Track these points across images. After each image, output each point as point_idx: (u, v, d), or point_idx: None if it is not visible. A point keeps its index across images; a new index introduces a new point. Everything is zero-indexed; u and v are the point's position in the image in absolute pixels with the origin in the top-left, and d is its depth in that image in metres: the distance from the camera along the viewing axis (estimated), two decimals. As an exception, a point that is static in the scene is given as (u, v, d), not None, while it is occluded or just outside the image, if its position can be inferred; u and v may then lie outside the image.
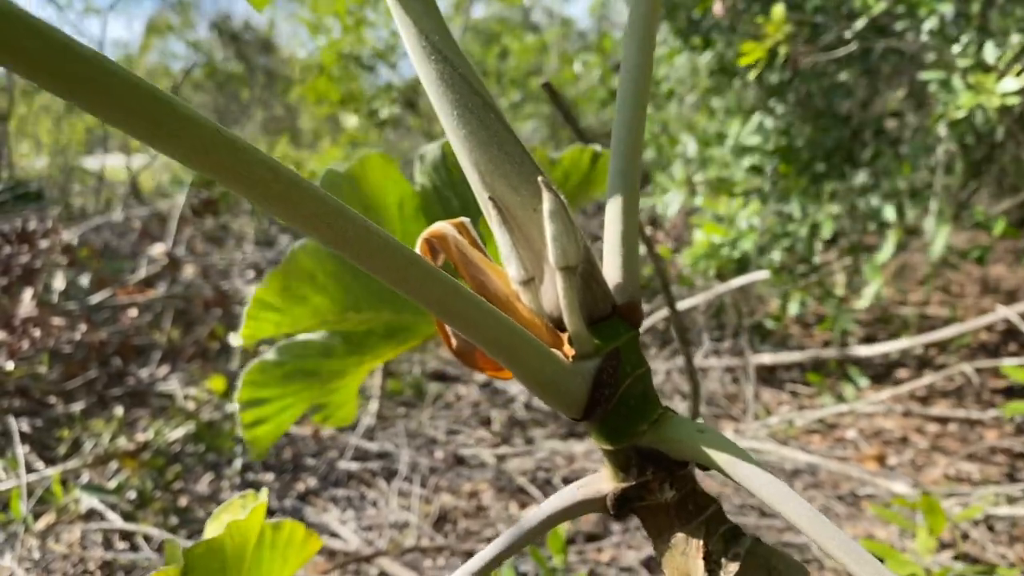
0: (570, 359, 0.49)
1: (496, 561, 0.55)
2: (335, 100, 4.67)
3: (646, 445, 0.52)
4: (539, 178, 0.48)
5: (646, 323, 2.86)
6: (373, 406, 3.04)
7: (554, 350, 0.49)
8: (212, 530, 0.71)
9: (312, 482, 2.66)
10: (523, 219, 0.49)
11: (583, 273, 0.50)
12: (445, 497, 2.57)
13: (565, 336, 0.50)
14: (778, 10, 2.35)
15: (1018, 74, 2.15)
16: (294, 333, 0.81)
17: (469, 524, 2.41)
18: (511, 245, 0.49)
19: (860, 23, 2.89)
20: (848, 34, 2.97)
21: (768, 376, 3.54)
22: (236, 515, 0.70)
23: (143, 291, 3.25)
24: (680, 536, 0.52)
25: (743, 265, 3.47)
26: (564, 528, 1.70)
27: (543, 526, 0.55)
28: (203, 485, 2.58)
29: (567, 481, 2.64)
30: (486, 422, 3.14)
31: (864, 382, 3.31)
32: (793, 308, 3.48)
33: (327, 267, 0.74)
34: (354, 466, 2.73)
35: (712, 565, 0.51)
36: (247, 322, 0.77)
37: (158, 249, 3.05)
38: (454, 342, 0.57)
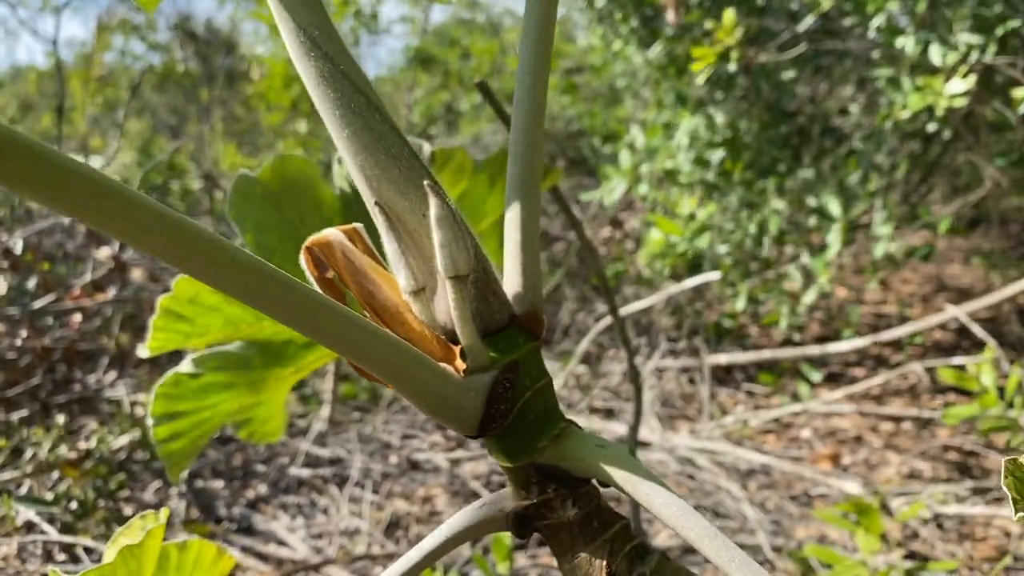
0: (462, 373, 0.47)
1: (399, 583, 0.52)
2: (286, 104, 4.60)
3: (546, 462, 0.49)
4: (425, 182, 0.45)
5: (600, 325, 2.85)
6: (325, 411, 3.00)
7: (444, 364, 0.47)
8: (109, 556, 0.67)
9: (262, 489, 2.61)
10: (412, 225, 0.47)
11: (477, 282, 0.47)
12: (398, 503, 2.53)
13: (458, 349, 0.48)
14: (728, 15, 2.35)
15: (964, 76, 2.17)
16: (207, 344, 0.77)
17: (422, 530, 2.38)
18: (399, 253, 0.47)
19: (809, 19, 2.90)
20: (799, 29, 2.98)
21: (724, 376, 3.55)
22: (134, 538, 0.67)
23: (91, 295, 3.17)
24: (583, 556, 0.49)
25: (697, 264, 3.48)
26: (509, 535, 1.67)
27: (444, 547, 0.52)
28: (149, 493, 2.52)
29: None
30: (442, 426, 3.11)
31: (817, 376, 3.33)
32: (740, 303, 3.49)
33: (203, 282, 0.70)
34: (305, 472, 2.68)
35: (616, 586, 0.49)
36: (154, 333, 0.74)
37: (104, 252, 2.98)
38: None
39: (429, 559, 0.52)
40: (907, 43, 2.48)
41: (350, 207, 0.79)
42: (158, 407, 0.78)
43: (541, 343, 0.51)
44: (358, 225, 0.51)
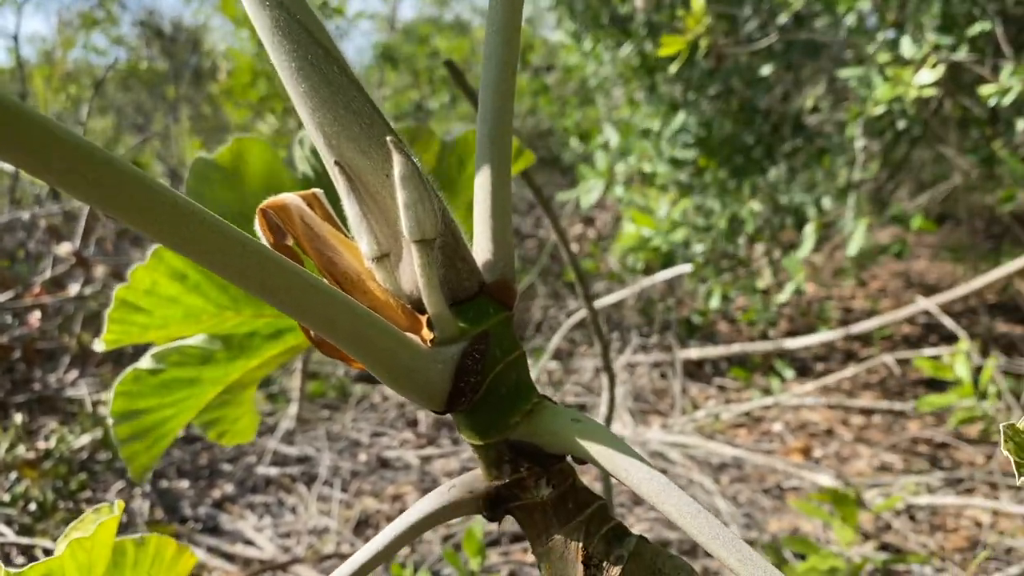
0: (429, 344, 0.44)
1: (364, 570, 0.49)
2: (253, 100, 4.53)
3: (519, 439, 0.47)
4: (388, 138, 0.42)
5: (572, 319, 2.83)
6: (293, 409, 2.95)
7: (410, 335, 0.44)
8: (60, 549, 0.63)
9: (229, 488, 2.56)
10: (375, 186, 0.44)
11: (444, 247, 0.44)
12: (367, 501, 2.49)
13: (425, 319, 0.45)
14: (698, 3, 2.34)
15: (933, 66, 2.18)
16: (167, 338, 0.74)
17: (392, 528, 2.35)
18: (361, 216, 0.44)
19: (782, 18, 2.91)
20: (770, 30, 2.99)
21: (696, 371, 3.54)
22: (86, 532, 0.63)
23: (51, 293, 3.09)
24: (558, 538, 0.47)
25: (669, 259, 3.47)
26: (481, 529, 1.65)
27: (414, 531, 0.49)
28: (112, 494, 2.46)
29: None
30: (413, 423, 3.07)
31: (790, 374, 3.34)
32: (714, 302, 3.49)
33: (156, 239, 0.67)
34: (273, 471, 2.63)
35: (593, 570, 0.46)
36: (110, 326, 0.70)
37: (65, 248, 2.91)
38: (312, 331, 0.52)
39: (398, 543, 0.49)
40: (878, 40, 2.50)
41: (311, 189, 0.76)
42: (118, 405, 0.74)
43: (513, 314, 0.49)
44: (317, 190, 0.49)
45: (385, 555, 0.49)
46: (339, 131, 0.43)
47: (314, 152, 0.75)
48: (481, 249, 0.48)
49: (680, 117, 3.44)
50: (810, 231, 3.12)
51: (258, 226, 0.46)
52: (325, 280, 0.45)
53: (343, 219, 0.48)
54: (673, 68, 2.57)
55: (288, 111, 4.48)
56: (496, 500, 0.48)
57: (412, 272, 0.45)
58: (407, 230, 0.42)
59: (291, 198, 0.45)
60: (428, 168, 0.81)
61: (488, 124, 0.47)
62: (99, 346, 0.73)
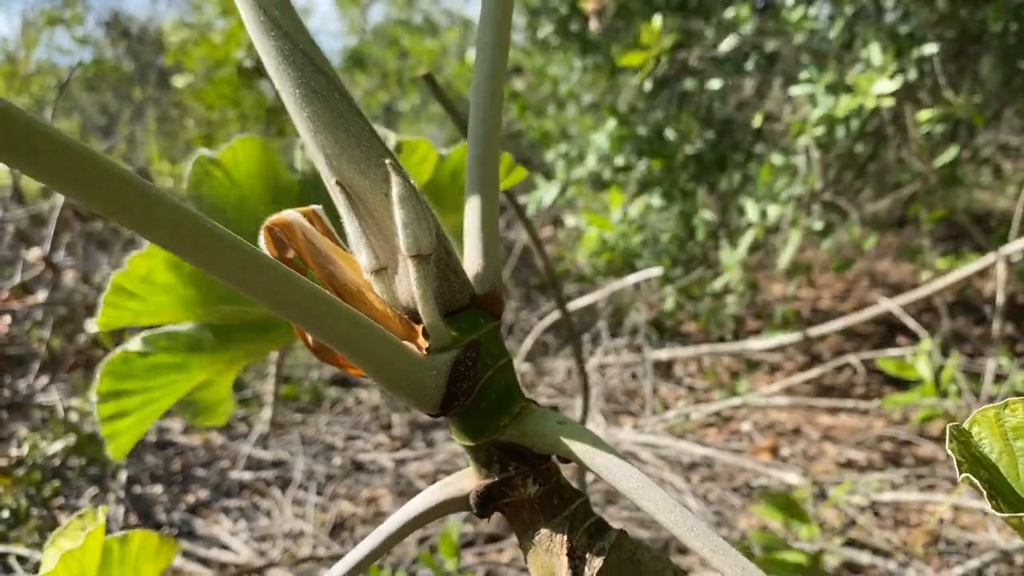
0: (425, 352, 0.47)
1: (359, 568, 0.52)
2: (226, 99, 4.50)
3: (507, 440, 0.50)
4: (387, 161, 0.45)
5: (544, 322, 2.87)
6: (267, 413, 2.95)
7: (407, 343, 0.47)
8: (50, 557, 0.65)
9: (203, 493, 2.56)
10: (374, 204, 0.47)
11: (438, 261, 0.48)
12: (343, 504, 2.51)
13: (420, 328, 0.48)
14: (655, 22, 2.39)
15: (891, 76, 2.24)
16: (157, 324, 0.75)
17: (367, 531, 2.36)
18: (360, 232, 0.47)
19: (731, 40, 2.98)
20: (724, 45, 3.06)
21: (666, 371, 3.60)
22: (73, 540, 0.64)
23: (20, 298, 3.07)
24: (544, 532, 0.50)
25: (630, 262, 3.54)
26: (457, 531, 1.68)
27: (406, 528, 0.52)
28: (85, 500, 2.46)
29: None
30: (387, 426, 3.09)
31: (743, 386, 3.40)
32: (669, 304, 3.57)
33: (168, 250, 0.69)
34: (247, 476, 2.64)
35: (576, 561, 0.50)
36: (104, 309, 0.72)
37: (34, 254, 2.89)
38: (311, 338, 0.54)
39: (392, 540, 0.52)
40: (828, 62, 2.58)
41: (310, 192, 0.78)
42: (104, 385, 0.75)
43: (501, 323, 0.52)
44: (316, 207, 0.51)
45: (382, 550, 0.52)
46: (340, 152, 0.46)
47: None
48: (472, 262, 0.51)
49: (611, 123, 3.49)
50: (748, 235, 3.21)
51: (262, 240, 0.49)
52: (328, 292, 0.48)
53: (338, 231, 0.51)
54: (639, 78, 2.62)
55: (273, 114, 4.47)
56: (486, 498, 0.51)
57: (408, 284, 0.48)
58: (405, 246, 0.45)
59: (294, 215, 0.48)
60: (424, 179, 0.84)
61: (477, 147, 0.50)
62: (92, 327, 0.75)
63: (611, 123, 3.40)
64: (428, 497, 0.53)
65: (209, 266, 0.37)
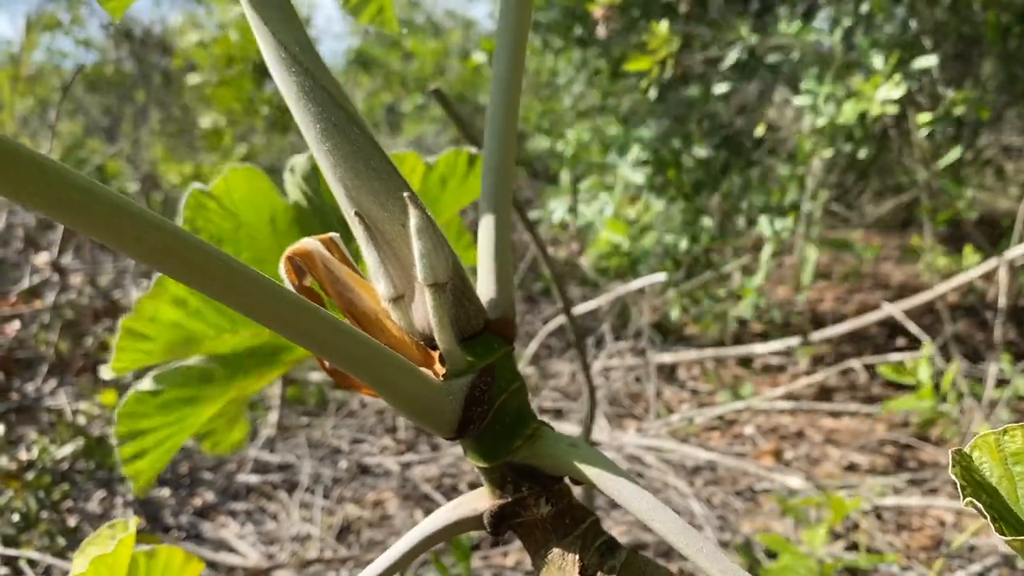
0: (441, 377, 0.49)
1: (376, 583, 0.54)
2: (236, 104, 4.52)
3: (521, 461, 0.51)
4: (405, 194, 0.47)
5: (548, 326, 2.88)
6: (273, 417, 2.97)
7: (424, 369, 0.48)
8: (78, 565, 0.67)
9: (210, 496, 2.58)
10: (392, 235, 0.48)
11: (454, 289, 0.49)
12: (349, 507, 2.53)
13: (437, 354, 0.49)
14: (661, 27, 2.40)
15: (897, 84, 2.26)
16: (169, 360, 0.77)
17: (373, 534, 2.38)
18: (379, 261, 0.48)
19: (736, 51, 2.99)
20: (728, 59, 3.08)
21: (669, 375, 3.61)
22: (103, 547, 0.66)
23: (28, 302, 3.09)
24: (556, 551, 0.51)
25: (635, 266, 3.55)
26: (468, 535, 1.69)
27: (419, 548, 0.54)
28: (94, 503, 2.47)
29: (473, 487, 2.63)
30: (392, 430, 3.10)
31: (748, 389, 3.41)
32: (675, 313, 3.60)
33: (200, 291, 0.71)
34: (254, 479, 2.66)
35: (588, 579, 0.51)
36: (117, 354, 0.74)
37: (42, 258, 2.91)
38: (328, 362, 0.56)
39: (406, 559, 0.54)
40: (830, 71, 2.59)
41: (303, 215, 0.80)
42: (122, 427, 0.77)
43: (514, 348, 0.53)
44: (335, 235, 0.53)
45: (394, 570, 0.54)
46: (359, 185, 0.48)
47: (305, 179, 0.79)
48: (485, 289, 0.53)
49: (638, 134, 3.51)
50: (766, 257, 3.22)
51: (283, 269, 0.50)
52: (346, 319, 0.50)
53: (355, 258, 0.53)
54: (644, 84, 2.63)
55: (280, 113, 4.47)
56: (500, 517, 0.52)
57: (424, 312, 0.49)
58: (422, 275, 0.47)
59: (313, 244, 0.50)
60: (415, 189, 0.85)
61: (491, 178, 0.52)
62: (107, 374, 0.77)
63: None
64: (442, 517, 0.55)
65: (230, 300, 0.38)
